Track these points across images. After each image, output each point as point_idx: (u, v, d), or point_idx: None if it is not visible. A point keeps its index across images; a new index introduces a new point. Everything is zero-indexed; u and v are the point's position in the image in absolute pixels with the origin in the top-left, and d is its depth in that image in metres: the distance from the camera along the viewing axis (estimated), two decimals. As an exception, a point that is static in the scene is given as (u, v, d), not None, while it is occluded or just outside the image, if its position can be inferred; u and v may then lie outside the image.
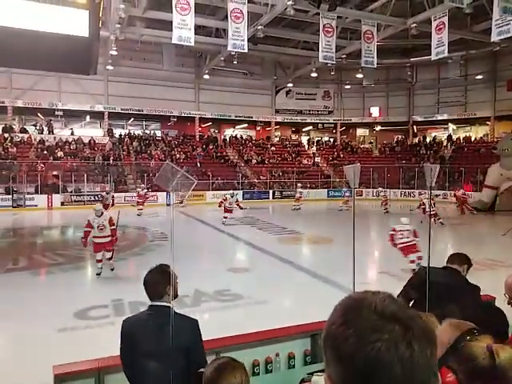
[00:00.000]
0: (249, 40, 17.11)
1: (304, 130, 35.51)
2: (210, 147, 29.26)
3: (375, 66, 19.79)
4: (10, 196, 20.66)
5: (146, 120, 30.57)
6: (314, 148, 33.36)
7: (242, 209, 16.49)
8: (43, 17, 3.42)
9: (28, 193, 21.24)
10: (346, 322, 0.69)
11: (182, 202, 20.13)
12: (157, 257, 9.90)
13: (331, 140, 34.92)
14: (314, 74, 27.22)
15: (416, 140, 33.32)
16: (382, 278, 8.19)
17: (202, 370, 1.71)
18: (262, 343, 3.26)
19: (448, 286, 3.00)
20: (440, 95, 31.13)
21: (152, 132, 30.19)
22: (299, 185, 23.29)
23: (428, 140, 32.52)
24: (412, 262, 7.92)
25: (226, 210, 15.31)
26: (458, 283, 3.16)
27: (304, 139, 35.02)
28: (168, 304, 2.40)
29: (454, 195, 20.40)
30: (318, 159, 31.42)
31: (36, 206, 20.59)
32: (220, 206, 15.61)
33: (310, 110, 33.10)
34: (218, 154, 28.87)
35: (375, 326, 0.66)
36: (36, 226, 15.66)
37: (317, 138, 34.81)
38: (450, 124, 32.45)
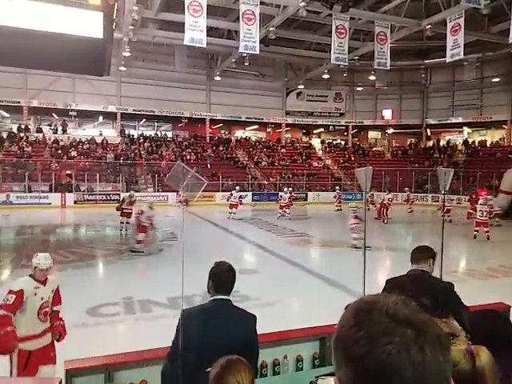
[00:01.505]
0: (260, 41, 17.17)
1: (315, 132, 35.42)
2: (220, 148, 29.40)
3: (388, 67, 19.65)
4: (27, 194, 21.06)
5: (158, 121, 30.85)
6: (320, 151, 33.17)
7: (241, 203, 17.88)
8: (58, 19, 3.48)
9: (42, 191, 21.62)
10: (357, 324, 0.69)
11: (183, 202, 20.19)
12: (166, 256, 9.99)
13: (342, 142, 34.77)
14: (325, 76, 27.07)
15: (430, 143, 32.96)
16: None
17: (209, 369, 1.72)
18: (269, 345, 3.24)
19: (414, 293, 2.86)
20: (455, 98, 30.77)
21: (163, 133, 30.46)
22: (285, 189, 19.08)
23: (442, 143, 32.15)
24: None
25: (232, 205, 16.87)
26: (426, 286, 2.87)
27: (314, 141, 34.92)
28: (229, 298, 2.46)
29: (469, 200, 20.12)
30: (328, 162, 31.31)
31: (50, 204, 20.94)
32: (228, 200, 17.39)
33: (321, 112, 33.01)
34: (228, 156, 28.97)
35: (386, 329, 0.66)
36: (49, 224, 15.90)
37: (328, 141, 34.70)
38: (464, 127, 32.00)
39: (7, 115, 27.30)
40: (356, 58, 23.39)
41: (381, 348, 0.64)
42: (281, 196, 18.27)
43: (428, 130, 33.23)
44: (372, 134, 36.08)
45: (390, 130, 34.30)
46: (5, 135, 24.91)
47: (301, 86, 31.17)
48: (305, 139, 35.03)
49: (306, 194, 27.12)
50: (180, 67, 22.95)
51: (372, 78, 27.32)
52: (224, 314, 2.39)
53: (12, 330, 3.07)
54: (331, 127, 33.92)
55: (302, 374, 3.09)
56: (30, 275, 3.60)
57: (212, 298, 2.48)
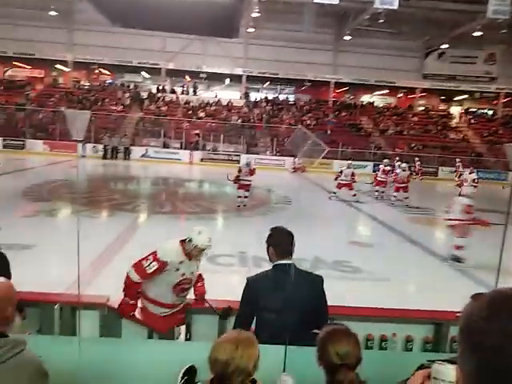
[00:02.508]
0: (400, -6, 15.55)
1: (456, 99, 31.20)
2: (343, 114, 28.30)
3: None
4: (162, 149, 23.57)
5: (281, 84, 30.91)
6: (460, 122, 29.35)
7: (354, 182, 13.44)
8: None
9: (174, 148, 23.91)
10: (490, 315, 0.65)
11: (297, 170, 20.10)
12: (279, 218, 10.22)
13: (489, 112, 30.14)
14: (477, 33, 22.96)
15: None
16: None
17: (316, 331, 1.72)
18: (377, 319, 3.24)
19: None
20: None
21: (285, 96, 30.52)
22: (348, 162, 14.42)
23: None
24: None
25: (341, 185, 13.32)
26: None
27: (454, 110, 30.92)
28: (292, 262, 2.44)
29: None
30: (468, 134, 27.64)
31: (180, 160, 23.08)
32: (336, 180, 13.59)
33: (465, 76, 28.43)
34: (351, 122, 27.77)
35: None
36: (179, 178, 17.56)
37: (471, 109, 30.39)
38: None
39: (148, 76, 30.40)
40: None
41: None
42: (340, 171, 13.67)
43: None
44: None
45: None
46: (145, 95, 27.87)
47: (444, 46, 26.99)
48: (442, 107, 31.30)
49: (437, 169, 24.63)
50: (308, 27, 22.30)
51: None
52: (292, 278, 2.36)
53: (134, 304, 3.02)
54: (477, 94, 29.49)
55: (411, 354, 3.03)
56: (182, 245, 3.07)
57: (276, 263, 2.45)
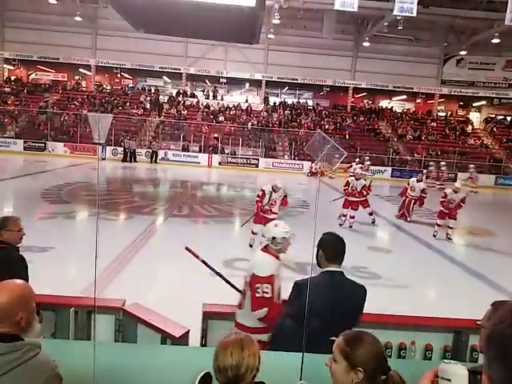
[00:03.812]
0: (418, 2, 15.51)
1: (474, 105, 31.01)
2: (361, 119, 28.18)
3: None
4: (182, 152, 23.91)
5: (300, 89, 30.98)
6: (479, 127, 28.94)
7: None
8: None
9: (193, 151, 24.19)
10: None
11: (317, 174, 19.79)
12: (297, 223, 10.23)
13: (508, 119, 29.80)
14: (495, 40, 22.92)
15: None
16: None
17: (333, 338, 1.71)
18: (396, 327, 3.17)
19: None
20: None
21: (304, 101, 30.56)
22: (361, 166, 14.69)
23: None
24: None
25: (348, 194, 10.36)
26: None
27: (473, 116, 30.70)
28: (341, 269, 2.44)
29: None
30: (488, 140, 27.26)
31: (199, 163, 23.35)
32: (346, 186, 10.61)
33: (484, 82, 28.50)
34: (370, 127, 27.62)
35: None
36: (198, 181, 17.76)
37: (490, 115, 30.11)
38: None
39: (169, 81, 30.87)
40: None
41: None
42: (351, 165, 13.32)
43: None
44: (550, 111, 29.98)
45: None
46: (166, 99, 28.30)
47: (462, 52, 27.12)
48: (461, 113, 31.06)
49: (456, 175, 24.26)
50: (327, 33, 22.36)
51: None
52: (340, 287, 2.35)
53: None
54: (496, 100, 29.22)
55: (431, 363, 2.91)
56: (268, 251, 2.90)
57: (325, 270, 2.44)
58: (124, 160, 22.50)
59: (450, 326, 3.25)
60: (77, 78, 29.99)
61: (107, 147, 22.47)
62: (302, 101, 30.75)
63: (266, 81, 28.87)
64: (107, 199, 11.49)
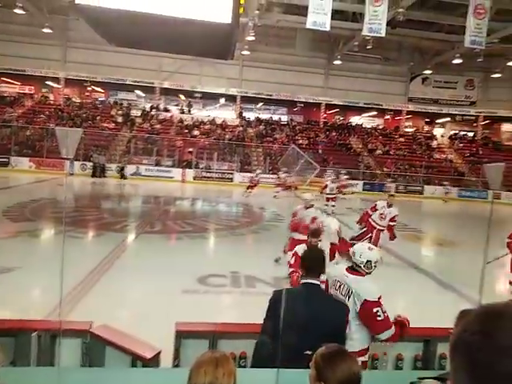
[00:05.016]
0: (387, 24, 16.14)
1: (439, 121, 32.38)
2: (334, 134, 28.82)
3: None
4: (155, 167, 23.57)
5: (274, 105, 31.43)
6: (443, 142, 30.20)
7: (343, 194, 15.03)
8: (190, 5, 3.72)
9: (167, 166, 23.93)
10: (483, 330, 0.66)
11: (287, 189, 18.27)
12: (272, 236, 10.24)
13: (470, 134, 31.28)
14: (457, 61, 24.12)
15: None
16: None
17: (309, 352, 1.70)
18: None
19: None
20: None
21: (278, 117, 31.01)
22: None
23: None
24: None
25: (328, 199, 14.01)
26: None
27: (438, 131, 32.02)
28: (318, 282, 2.45)
29: None
30: (451, 154, 28.46)
31: (172, 178, 23.08)
32: (321, 193, 14.04)
33: (447, 100, 30.02)
34: (341, 142, 28.27)
35: None
36: (171, 196, 17.50)
37: (453, 131, 31.52)
38: None
39: (142, 95, 30.62)
40: (495, 40, 20.45)
41: (508, 359, 0.62)
42: (326, 185, 14.41)
43: None
44: (507, 127, 31.63)
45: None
46: (139, 113, 28.00)
47: (428, 71, 28.58)
48: (427, 128, 32.37)
49: (423, 187, 25.18)
50: (301, 51, 22.91)
51: (512, 63, 23.66)
52: (315, 300, 2.34)
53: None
54: (458, 117, 30.70)
55: (402, 373, 3.01)
56: (358, 272, 3.05)
57: (304, 281, 2.45)
58: (93, 175, 21.92)
59: (419, 335, 3.30)
60: (44, 90, 29.23)
61: (76, 162, 21.82)
62: (276, 116, 31.17)
63: (241, 96, 29.12)
64: (75, 216, 10.97)
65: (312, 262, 2.49)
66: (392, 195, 8.56)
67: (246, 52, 24.78)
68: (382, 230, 8.38)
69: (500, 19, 19.10)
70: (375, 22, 15.51)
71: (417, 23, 21.45)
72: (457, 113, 30.48)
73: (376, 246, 6.87)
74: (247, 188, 18.71)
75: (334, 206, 14.12)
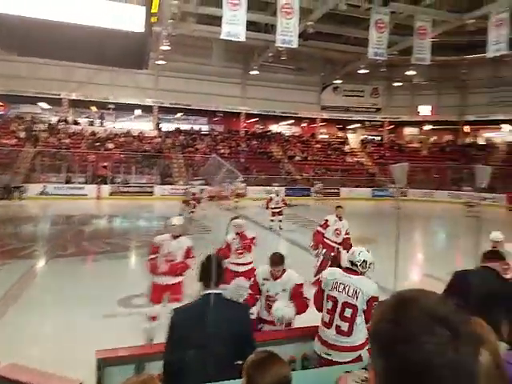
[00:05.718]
0: (299, 36, 16.88)
1: (350, 127, 34.71)
2: (254, 143, 29.35)
3: (428, 63, 18.89)
4: (65, 185, 21.78)
5: (194, 115, 31.12)
6: (355, 147, 32.53)
7: (289, 206, 14.59)
8: (101, 13, 3.50)
9: (79, 182, 22.26)
10: (395, 319, 0.69)
11: (194, 207, 15.90)
12: (197, 248, 9.95)
13: (378, 138, 34.04)
14: (363, 71, 26.22)
15: (468, 141, 31.73)
16: (426, 281, 7.78)
17: (239, 362, 1.68)
18: (297, 340, 3.36)
19: (488, 289, 2.69)
20: (495, 94, 29.12)
21: (199, 127, 30.77)
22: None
23: (480, 141, 30.90)
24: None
25: (274, 214, 13.21)
26: (498, 285, 2.84)
27: (350, 137, 34.30)
28: (220, 291, 2.37)
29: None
30: (363, 158, 30.67)
31: (86, 195, 21.53)
32: (267, 208, 13.59)
33: (357, 108, 32.31)
34: (262, 150, 28.89)
35: (425, 328, 0.66)
36: (85, 215, 16.26)
37: (363, 136, 33.98)
38: (505, 125, 30.37)
39: (48, 107, 28.31)
40: (395, 52, 22.60)
41: (418, 347, 0.64)
42: (271, 198, 13.61)
43: (466, 127, 31.96)
44: (409, 131, 35.00)
45: (427, 127, 33.13)
46: (44, 127, 25.80)
47: (337, 81, 30.56)
48: (340, 134, 34.48)
49: (339, 190, 26.69)
50: (217, 61, 22.99)
51: (410, 73, 26.28)
52: (216, 308, 2.28)
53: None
54: (367, 123, 33.31)
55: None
56: (356, 273, 3.33)
57: (202, 293, 2.40)
58: (-4, 197, 19.60)
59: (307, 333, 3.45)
60: None
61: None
62: (196, 126, 30.87)
63: (159, 107, 28.36)
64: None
65: (203, 272, 2.41)
66: (340, 206, 7.84)
67: (161, 62, 24.21)
68: (339, 247, 7.58)
69: (399, 33, 21.13)
70: (287, 33, 16.12)
71: (326, 36, 22.87)
72: (365, 119, 33.01)
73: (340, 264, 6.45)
74: (187, 204, 15.74)
75: (280, 221, 13.23)
